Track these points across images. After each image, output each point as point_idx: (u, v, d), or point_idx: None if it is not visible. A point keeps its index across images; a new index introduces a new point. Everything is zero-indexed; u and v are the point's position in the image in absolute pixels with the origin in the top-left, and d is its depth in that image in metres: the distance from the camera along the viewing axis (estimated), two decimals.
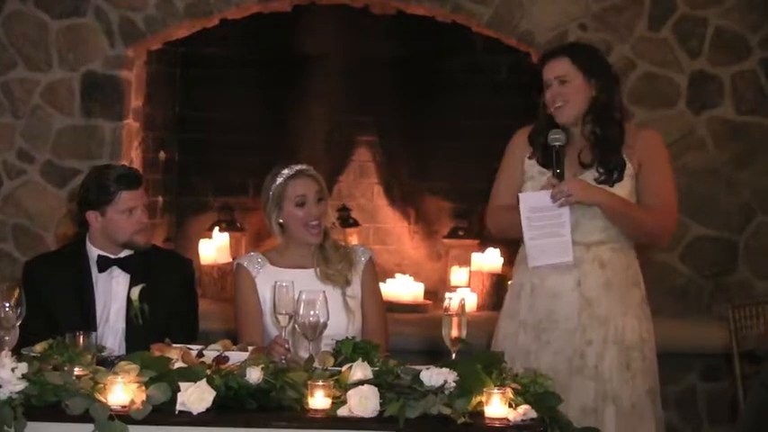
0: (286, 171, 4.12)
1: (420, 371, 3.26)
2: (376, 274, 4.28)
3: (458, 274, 6.70)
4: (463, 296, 3.65)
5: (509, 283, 4.30)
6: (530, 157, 4.10)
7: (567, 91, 4.00)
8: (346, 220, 6.72)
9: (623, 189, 4.00)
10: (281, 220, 4.13)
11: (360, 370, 3.27)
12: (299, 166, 4.14)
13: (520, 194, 4.02)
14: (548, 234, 3.97)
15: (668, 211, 4.09)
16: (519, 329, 4.08)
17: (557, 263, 3.99)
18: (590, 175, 4.01)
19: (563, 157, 3.98)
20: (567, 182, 3.94)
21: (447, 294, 3.59)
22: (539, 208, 3.96)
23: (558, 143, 3.97)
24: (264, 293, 4.05)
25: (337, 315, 3.95)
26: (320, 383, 3.19)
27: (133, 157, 6.37)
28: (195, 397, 3.13)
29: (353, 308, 4.11)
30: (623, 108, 4.15)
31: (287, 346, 3.58)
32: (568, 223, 3.95)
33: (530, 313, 4.06)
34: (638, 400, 4.01)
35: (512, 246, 6.09)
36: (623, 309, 4.03)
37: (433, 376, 3.22)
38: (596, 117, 4.02)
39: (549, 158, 4.00)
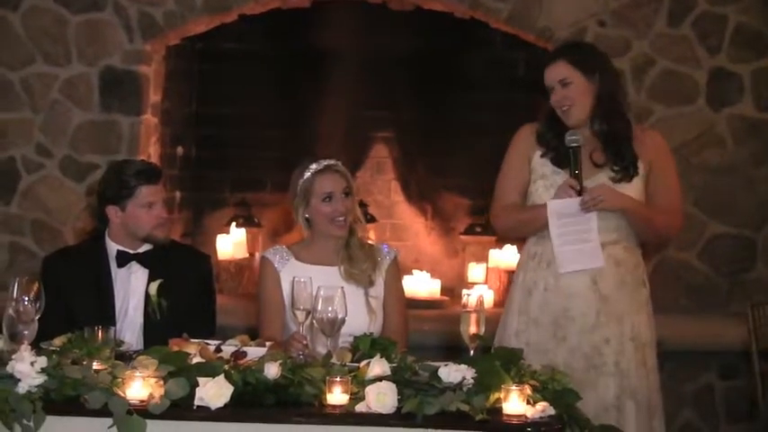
0: (314, 166, 4.13)
1: (438, 367, 3.25)
2: (400, 273, 4.29)
3: (475, 271, 6.69)
4: (481, 293, 3.65)
5: (516, 279, 4.25)
6: (542, 156, 4.08)
7: (571, 93, 4.00)
8: (363, 217, 6.70)
9: (635, 189, 4.01)
10: (307, 215, 4.13)
11: (378, 366, 3.27)
12: (327, 162, 4.15)
13: (548, 202, 4.00)
14: (576, 240, 3.97)
15: (677, 211, 4.13)
16: (530, 326, 4.07)
17: (587, 268, 3.98)
18: (604, 175, 4.00)
19: (580, 157, 3.97)
20: (597, 189, 3.95)
21: (465, 291, 3.59)
22: (567, 214, 3.95)
23: (575, 144, 3.96)
24: (287, 288, 4.05)
25: (359, 314, 3.96)
26: (338, 379, 3.18)
27: (151, 153, 6.38)
28: (213, 392, 3.13)
29: (375, 308, 4.11)
30: (627, 101, 4.17)
31: (305, 342, 3.58)
32: (596, 229, 3.96)
33: (543, 311, 4.05)
34: (653, 395, 4.04)
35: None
36: (636, 306, 4.04)
37: (452, 373, 3.21)
38: (603, 113, 4.01)
39: (566, 159, 3.98)
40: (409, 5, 6.50)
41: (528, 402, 3.17)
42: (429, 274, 6.61)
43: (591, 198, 3.91)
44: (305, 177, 4.12)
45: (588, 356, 3.98)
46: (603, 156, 4.02)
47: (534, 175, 4.08)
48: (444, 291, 6.57)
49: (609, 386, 3.96)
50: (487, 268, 6.66)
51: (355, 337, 3.59)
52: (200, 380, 3.15)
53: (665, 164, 4.09)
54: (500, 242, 6.68)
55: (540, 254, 4.07)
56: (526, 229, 4.06)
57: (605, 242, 4.01)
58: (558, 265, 4.01)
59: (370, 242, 4.26)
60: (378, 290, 4.15)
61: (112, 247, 4.19)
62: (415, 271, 6.60)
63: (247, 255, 6.70)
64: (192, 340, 3.53)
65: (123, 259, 4.17)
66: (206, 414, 3.12)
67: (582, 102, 4.00)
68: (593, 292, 4.00)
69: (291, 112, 6.93)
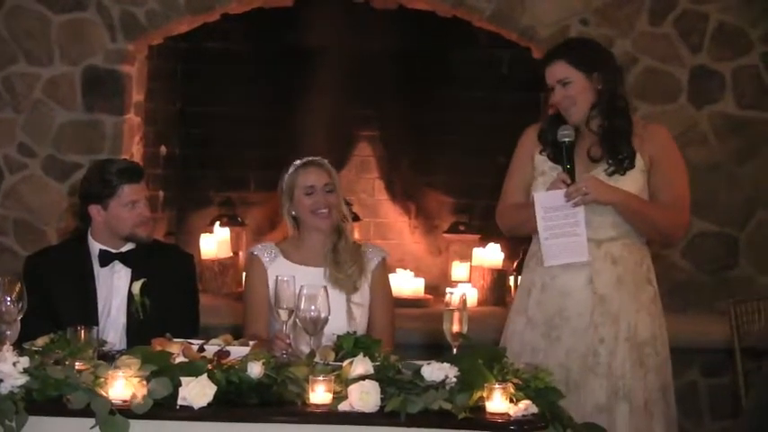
0: (297, 162, 4.16)
1: (421, 366, 3.25)
2: (387, 275, 4.28)
3: (459, 269, 6.70)
4: (464, 291, 3.65)
5: (519, 280, 4.25)
6: (540, 152, 4.08)
7: (572, 93, 3.97)
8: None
9: (635, 184, 3.95)
10: (293, 212, 4.13)
11: (361, 365, 3.27)
12: (310, 158, 4.17)
13: (534, 194, 3.98)
14: (563, 234, 3.93)
15: (681, 208, 4.03)
16: (526, 326, 4.06)
17: (572, 262, 3.96)
18: (600, 169, 3.98)
19: (573, 152, 3.97)
20: (583, 180, 3.91)
21: (448, 289, 3.59)
22: (553, 207, 3.92)
23: (567, 139, 3.94)
24: (274, 285, 4.04)
25: (339, 320, 3.95)
26: (321, 378, 3.18)
27: (134, 152, 6.38)
28: (196, 391, 3.13)
29: (356, 314, 4.10)
30: (628, 98, 4.10)
31: (288, 340, 3.58)
32: (583, 222, 3.91)
33: (538, 310, 4.03)
34: (651, 397, 3.98)
35: (513, 241, 6.14)
36: (636, 305, 3.98)
37: (434, 371, 3.21)
38: (603, 109, 3.98)
39: (560, 154, 3.97)
40: (392, 4, 6.51)
41: (511, 400, 3.17)
42: (413, 273, 6.62)
43: (576, 189, 3.87)
44: (289, 173, 4.15)
45: (584, 356, 3.94)
46: (600, 151, 4.00)
47: (536, 172, 4.06)
48: (428, 289, 6.58)
49: (601, 387, 3.92)
50: (471, 267, 6.67)
51: (338, 336, 3.59)
52: (184, 379, 3.15)
53: (667, 159, 4.00)
54: (484, 240, 6.70)
55: (538, 253, 4.05)
56: (526, 227, 4.03)
57: (602, 239, 3.97)
58: (543, 258, 3.99)
59: (358, 243, 4.25)
60: (362, 296, 4.14)
61: (95, 247, 4.18)
62: (399, 269, 6.61)
63: (231, 254, 6.69)
64: (176, 340, 3.52)
65: (106, 259, 4.16)
66: (189, 414, 3.12)
67: (583, 100, 3.97)
68: (588, 290, 3.96)
69: (275, 110, 6.93)
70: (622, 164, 3.95)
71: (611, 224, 3.98)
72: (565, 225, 3.93)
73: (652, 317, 4.03)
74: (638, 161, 3.98)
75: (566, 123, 3.98)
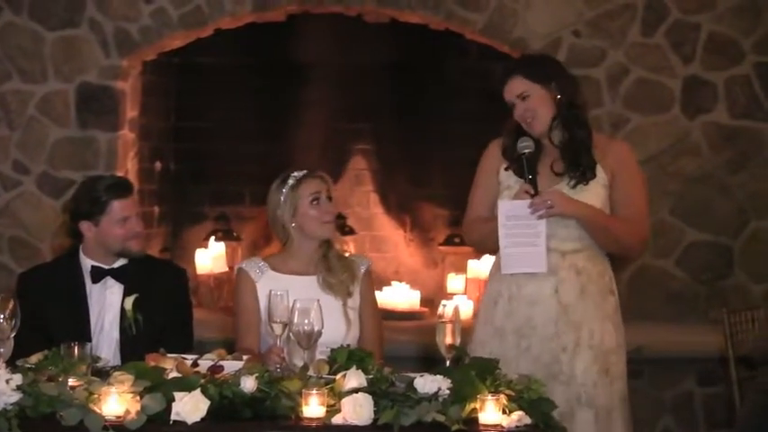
0: (296, 173, 4.16)
1: (414, 378, 3.26)
2: (373, 282, 4.29)
3: (454, 282, 6.70)
4: (457, 303, 3.66)
5: (485, 289, 4.25)
6: (506, 169, 4.10)
7: (532, 105, 4.01)
8: (342, 229, 6.72)
9: (597, 198, 3.99)
10: (293, 224, 4.13)
11: (354, 378, 3.27)
12: (307, 170, 4.18)
13: (499, 201, 4.02)
14: (523, 243, 3.96)
15: (641, 222, 4.08)
16: (495, 336, 4.07)
17: (529, 272, 3.99)
18: (564, 184, 4.00)
19: (534, 163, 4.00)
20: (548, 192, 3.94)
21: (442, 302, 3.60)
22: (516, 216, 3.95)
23: (527, 150, 3.98)
24: (264, 299, 4.05)
25: (336, 325, 3.97)
26: (314, 392, 3.19)
27: (129, 168, 6.38)
28: (190, 406, 3.13)
29: (353, 319, 4.12)
30: (587, 109, 4.15)
31: (282, 354, 3.59)
32: (544, 234, 3.94)
33: (508, 320, 4.05)
34: (615, 405, 4.00)
35: None
36: (600, 314, 4.02)
37: (427, 383, 3.22)
38: (563, 119, 4.02)
39: (521, 167, 4.01)
40: (385, 18, 6.52)
41: (504, 412, 3.18)
42: (408, 286, 6.62)
43: (541, 201, 3.90)
44: (289, 185, 4.13)
45: (548, 365, 3.97)
46: (562, 164, 4.03)
47: (501, 186, 4.10)
48: (424, 302, 6.58)
49: (562, 394, 3.91)
50: (467, 279, 6.67)
51: (332, 350, 3.60)
52: (177, 394, 3.15)
53: (627, 174, 4.05)
54: (479, 252, 6.70)
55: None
56: (490, 240, 4.07)
57: (566, 251, 4.00)
58: (501, 266, 4.02)
59: (347, 254, 4.27)
60: (356, 301, 4.16)
61: (87, 263, 4.18)
62: (394, 282, 6.61)
63: (227, 269, 6.69)
64: (169, 355, 3.53)
65: (98, 275, 4.16)
66: (182, 429, 3.12)
67: (543, 112, 4.01)
68: (554, 300, 3.99)
69: (269, 125, 6.94)
70: (585, 175, 3.99)
71: (576, 237, 4.01)
72: (526, 235, 3.96)
73: (615, 326, 4.06)
74: (601, 176, 4.01)
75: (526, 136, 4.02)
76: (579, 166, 3.99)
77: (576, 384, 3.96)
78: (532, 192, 3.94)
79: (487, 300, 4.15)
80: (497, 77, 4.16)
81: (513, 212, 3.96)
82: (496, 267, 4.12)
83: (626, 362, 4.10)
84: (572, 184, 3.99)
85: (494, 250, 4.12)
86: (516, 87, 4.03)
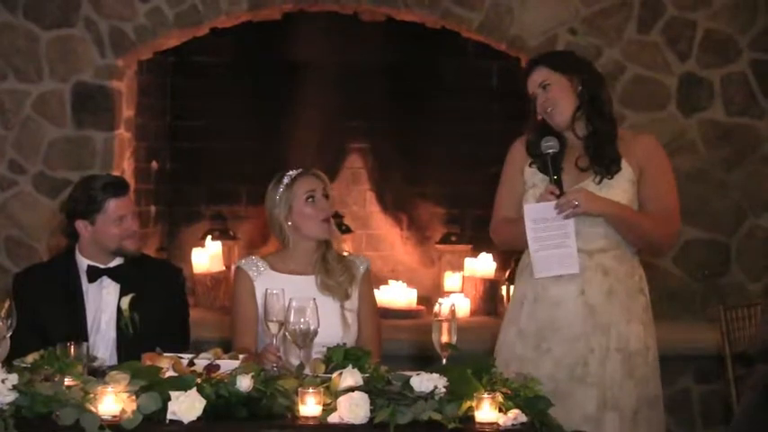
0: (292, 172, 4.15)
1: (410, 377, 3.26)
2: (371, 283, 4.29)
3: (451, 280, 6.70)
4: (453, 301, 3.66)
5: (512, 290, 4.23)
6: (530, 165, 4.08)
7: (553, 94, 3.98)
8: (339, 227, 6.68)
9: (625, 194, 3.94)
10: (289, 223, 4.12)
11: (350, 377, 3.27)
12: (302, 169, 4.18)
13: (525, 206, 3.97)
14: (553, 245, 3.91)
15: (671, 218, 4.01)
16: (517, 337, 4.05)
17: (562, 274, 3.95)
18: (589, 180, 3.97)
19: (559, 163, 3.95)
20: (573, 192, 3.89)
21: (439, 300, 3.60)
22: (543, 219, 3.91)
23: (551, 150, 3.93)
24: (262, 298, 4.04)
25: (333, 326, 3.97)
26: (311, 390, 3.19)
27: (125, 167, 6.38)
28: (186, 406, 3.13)
29: (350, 321, 4.11)
30: (612, 104, 4.09)
31: (278, 353, 3.58)
32: (573, 234, 3.90)
33: (529, 322, 4.01)
34: (641, 407, 3.97)
35: (505, 252, 6.14)
36: (627, 316, 3.97)
37: (424, 382, 3.22)
38: (586, 113, 3.99)
39: (545, 166, 3.98)
40: (380, 16, 6.52)
41: (500, 410, 3.18)
42: (405, 284, 6.61)
43: (566, 201, 3.86)
44: (284, 184, 4.12)
45: (572, 367, 3.93)
46: (587, 159, 4.00)
47: (527, 185, 4.06)
48: (421, 300, 6.58)
49: (591, 397, 3.90)
50: (464, 277, 6.67)
51: (328, 349, 3.60)
52: (173, 394, 3.15)
53: (655, 169, 3.99)
54: (476, 251, 6.70)
55: (530, 264, 4.02)
56: (521, 241, 4.03)
57: (593, 250, 3.96)
58: (533, 270, 3.98)
59: (346, 254, 4.25)
60: (354, 303, 4.15)
61: (83, 262, 4.18)
62: (391, 281, 6.61)
63: (223, 268, 6.69)
64: (166, 354, 3.53)
65: (94, 274, 4.16)
66: (179, 428, 3.12)
67: (564, 102, 3.97)
68: (580, 301, 3.95)
69: (265, 124, 6.94)
70: (609, 168, 3.95)
71: (602, 235, 3.96)
72: (555, 237, 3.92)
73: (644, 326, 4.02)
74: (628, 171, 3.96)
75: (549, 133, 3.99)
76: (603, 159, 3.95)
77: (605, 388, 3.92)
78: (558, 192, 3.89)
79: (514, 301, 4.13)
80: (521, 73, 4.14)
81: (539, 215, 3.92)
82: (523, 269, 4.09)
83: (658, 363, 4.06)
84: (597, 179, 3.95)
85: (523, 251, 4.09)
86: (538, 77, 4.00)
